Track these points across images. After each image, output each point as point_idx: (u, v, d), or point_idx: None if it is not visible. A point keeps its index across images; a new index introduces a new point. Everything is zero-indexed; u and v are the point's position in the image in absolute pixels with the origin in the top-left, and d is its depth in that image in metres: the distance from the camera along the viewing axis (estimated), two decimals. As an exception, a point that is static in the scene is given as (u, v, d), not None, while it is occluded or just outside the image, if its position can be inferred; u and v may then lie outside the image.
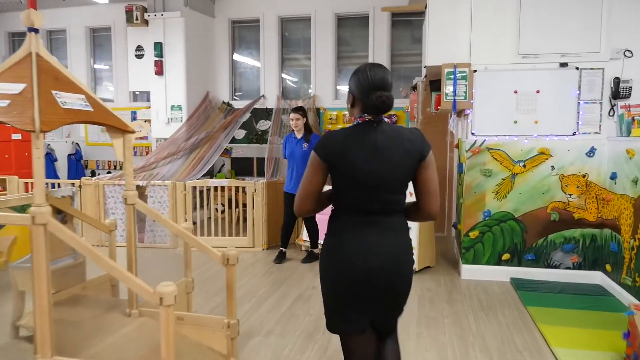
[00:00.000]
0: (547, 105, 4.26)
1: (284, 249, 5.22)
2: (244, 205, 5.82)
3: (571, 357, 2.90)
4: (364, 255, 1.72)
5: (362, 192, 1.72)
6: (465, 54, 4.42)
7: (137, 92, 8.39)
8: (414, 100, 6.47)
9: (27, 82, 2.05)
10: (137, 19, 7.17)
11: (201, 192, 6.21)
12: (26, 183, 6.41)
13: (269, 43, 7.83)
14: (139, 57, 7.45)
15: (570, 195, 4.26)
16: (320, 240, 5.17)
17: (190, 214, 5.76)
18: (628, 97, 4.10)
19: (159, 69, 7.23)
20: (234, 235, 5.82)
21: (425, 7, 4.74)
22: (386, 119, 1.79)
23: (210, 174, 7.75)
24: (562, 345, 3.04)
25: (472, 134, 4.41)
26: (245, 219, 5.81)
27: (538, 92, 4.27)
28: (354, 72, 1.81)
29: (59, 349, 2.07)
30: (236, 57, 8.16)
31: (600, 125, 4.22)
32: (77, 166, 8.48)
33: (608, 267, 4.10)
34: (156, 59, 7.20)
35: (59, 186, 6.74)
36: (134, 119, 8.34)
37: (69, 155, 8.38)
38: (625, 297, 3.71)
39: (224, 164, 8.10)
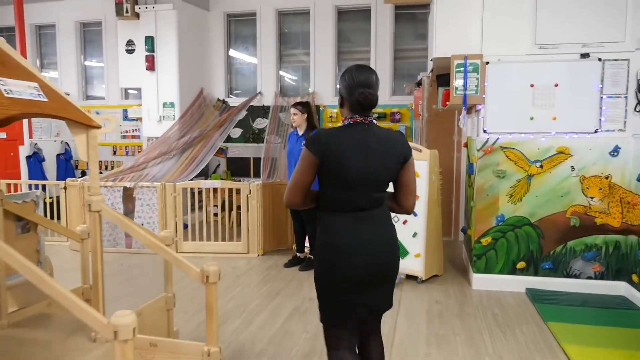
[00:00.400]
0: (566, 100, 3.90)
1: (298, 254, 4.88)
2: (239, 208, 5.47)
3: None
4: (361, 250, 1.81)
5: (353, 190, 1.81)
6: (477, 45, 4.06)
7: (129, 90, 8.04)
8: (419, 97, 6.12)
9: (-41, 65, 1.69)
10: (127, 12, 6.82)
11: (197, 193, 5.86)
12: (9, 185, 6.06)
13: (266, 38, 7.47)
14: (130, 52, 7.10)
15: (591, 198, 3.90)
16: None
17: (180, 217, 5.40)
18: (656, 91, 3.74)
19: (150, 65, 6.88)
20: (227, 240, 5.46)
21: (433, -5, 4.38)
22: (375, 121, 1.88)
23: (205, 174, 7.40)
24: (592, 370, 2.68)
25: (484, 131, 4.05)
26: (240, 223, 5.46)
27: (556, 85, 3.90)
28: (342, 73, 1.91)
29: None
30: (232, 52, 7.80)
31: (625, 122, 3.85)
32: (67, 166, 8.13)
33: (634, 278, 3.73)
34: (147, 53, 6.85)
35: (43, 188, 6.39)
36: (125, 117, 8.01)
37: (58, 155, 8.03)
38: (656, 312, 3.35)
39: (219, 164, 7.75)
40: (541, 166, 3.97)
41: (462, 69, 4.03)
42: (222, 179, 7.33)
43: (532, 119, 3.96)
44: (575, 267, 3.96)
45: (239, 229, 5.46)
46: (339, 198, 1.83)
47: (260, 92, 7.52)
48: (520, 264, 4.04)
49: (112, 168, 7.70)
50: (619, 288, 3.89)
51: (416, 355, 2.92)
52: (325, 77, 7.28)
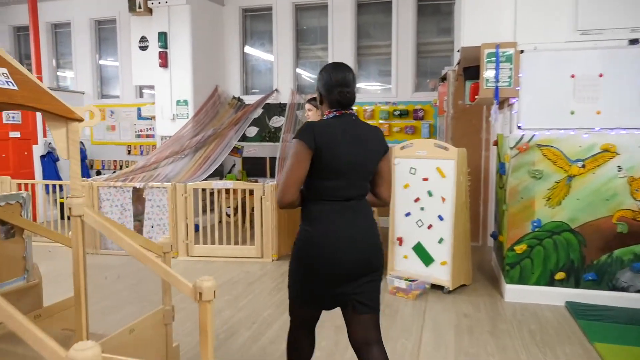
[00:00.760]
0: (612, 92, 3.49)
1: None
2: (254, 210, 5.19)
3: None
4: (347, 240, 1.84)
5: (343, 180, 1.85)
6: (510, 31, 3.69)
7: (144, 89, 7.87)
8: (443, 93, 5.75)
9: None
10: (139, 7, 6.62)
11: (209, 194, 5.61)
12: (19, 184, 5.91)
13: (283, 33, 7.19)
14: (143, 48, 6.90)
15: (640, 201, 3.49)
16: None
17: (191, 218, 5.15)
18: None
19: (164, 61, 6.67)
20: (240, 243, 5.19)
21: (460, -21, 4.03)
22: (355, 114, 1.94)
23: (220, 174, 7.17)
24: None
25: (519, 127, 3.67)
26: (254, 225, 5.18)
27: (601, 75, 3.50)
28: (320, 72, 1.98)
29: None
30: (248, 49, 7.54)
31: (679, 116, 3.43)
32: (82, 166, 7.97)
33: (691, 291, 3.31)
34: (160, 50, 6.64)
35: (61, 188, 6.24)
36: (139, 116, 7.83)
37: (73, 154, 7.89)
38: None
39: (234, 164, 7.51)
40: (583, 166, 3.57)
41: (493, 58, 3.66)
42: (237, 179, 7.08)
43: (572, 113, 3.56)
44: (622, 279, 3.55)
45: (252, 231, 5.18)
46: (328, 187, 1.86)
47: (276, 90, 7.24)
48: (560, 275, 3.64)
49: (127, 168, 7.53)
50: (672, 303, 3.47)
51: (444, 380, 2.58)
52: (344, 73, 6.95)
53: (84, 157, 8.00)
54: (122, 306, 3.61)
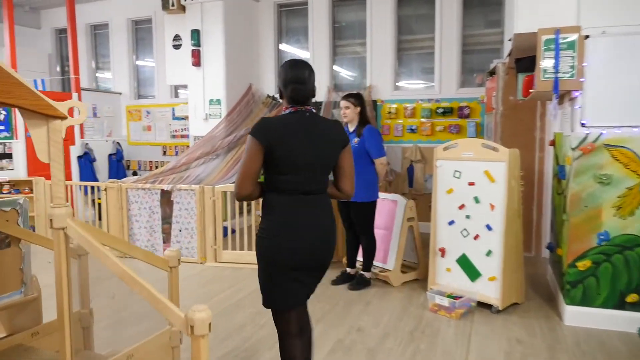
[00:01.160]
0: (698, 83, 2.95)
1: (348, 270, 4.24)
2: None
3: None
4: (309, 232, 1.94)
5: (300, 175, 1.91)
6: (572, 14, 3.21)
7: (179, 89, 7.76)
8: (492, 88, 5.26)
9: None
10: (173, 5, 6.49)
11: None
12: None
13: (319, 28, 6.87)
14: (177, 47, 6.77)
15: None
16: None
17: (220, 222, 4.91)
18: None
19: (197, 60, 6.50)
20: (270, 250, 4.90)
21: (513, -42, 3.56)
22: (314, 110, 2.00)
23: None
24: None
25: (582, 125, 3.17)
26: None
27: (685, 63, 2.97)
28: (280, 68, 2.03)
29: None
30: (283, 46, 7.27)
31: None
32: (118, 167, 7.98)
33: None
34: (193, 48, 6.47)
35: (91, 189, 6.18)
36: (174, 116, 7.72)
37: (110, 155, 7.90)
38: None
39: (269, 165, 7.24)
40: (662, 169, 3.04)
41: (552, 46, 3.18)
42: (271, 181, 6.82)
43: (648, 108, 3.04)
44: None
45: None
46: (284, 181, 1.91)
47: (312, 87, 6.92)
48: (632, 297, 3.12)
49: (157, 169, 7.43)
50: None
51: None
52: (383, 69, 6.56)
53: (120, 157, 7.99)
54: (138, 320, 3.38)
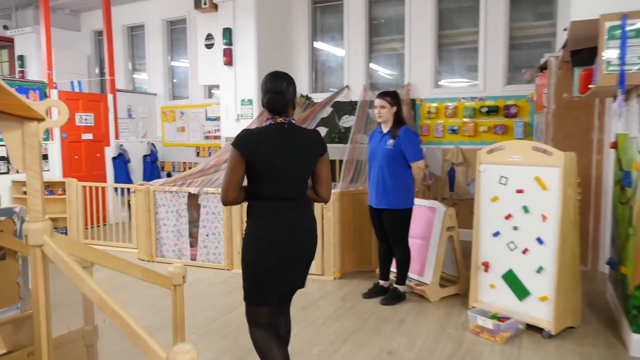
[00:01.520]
0: None
1: (381, 282, 3.93)
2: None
3: None
4: (288, 234, 2.08)
5: (279, 182, 2.05)
6: (643, -3, 2.78)
7: (212, 89, 7.65)
8: (543, 85, 4.80)
9: None
10: (205, 4, 6.35)
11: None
12: (84, 187, 5.86)
13: (355, 24, 6.56)
14: (209, 46, 6.64)
15: None
16: (393, 268, 3.81)
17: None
18: None
19: (228, 59, 6.34)
20: (299, 257, 4.65)
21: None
22: (293, 121, 2.13)
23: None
24: None
25: (654, 124, 2.74)
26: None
27: None
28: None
29: None
30: (317, 44, 7.01)
31: None
32: (153, 168, 7.96)
33: None
34: (225, 47, 6.32)
35: (121, 191, 6.14)
36: (207, 117, 7.61)
37: (145, 156, 7.89)
38: None
39: (302, 167, 7.00)
40: None
41: (618, 33, 2.76)
42: (304, 184, 6.57)
43: None
44: None
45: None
46: (265, 189, 2.04)
47: (347, 86, 6.64)
48: None
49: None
50: None
51: None
52: (423, 66, 6.18)
53: (154, 158, 7.97)
54: (164, 330, 3.19)
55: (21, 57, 8.27)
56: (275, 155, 2.00)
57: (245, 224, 2.12)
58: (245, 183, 2.10)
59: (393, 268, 3.92)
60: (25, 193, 5.88)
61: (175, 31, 8.13)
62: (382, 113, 3.67)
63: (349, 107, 6.61)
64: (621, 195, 3.27)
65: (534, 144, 3.24)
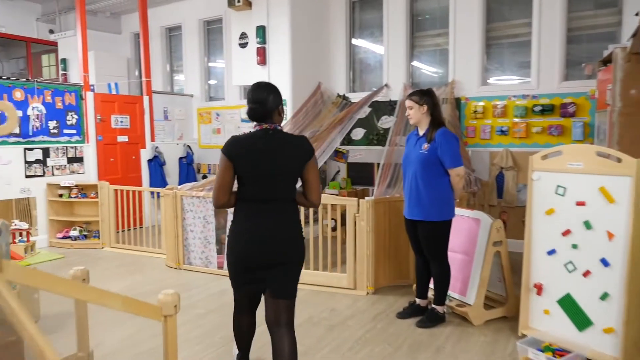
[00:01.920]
0: None
1: (417, 301, 3.55)
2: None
3: None
4: (263, 234, 2.16)
5: (261, 185, 2.15)
6: None
7: (246, 88, 7.46)
8: (606, 80, 4.24)
9: None
10: (238, 1, 6.16)
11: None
12: (116, 190, 5.80)
13: (395, 19, 6.19)
14: (243, 45, 6.44)
15: None
16: (431, 285, 3.41)
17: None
18: None
19: (262, 58, 6.13)
20: (329, 269, 4.33)
21: None
22: (279, 127, 2.23)
23: (322, 181, 6.42)
24: None
25: None
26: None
27: None
28: None
29: None
30: (355, 41, 6.67)
31: None
32: (188, 170, 7.87)
33: None
34: (258, 46, 6.10)
35: (151, 195, 6.04)
36: (242, 119, 7.43)
37: (180, 158, 7.81)
38: None
39: (339, 171, 6.70)
40: None
41: None
42: (341, 188, 6.26)
43: None
44: None
45: (344, 255, 4.25)
46: (248, 191, 2.18)
47: (386, 85, 6.26)
48: None
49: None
50: None
51: None
52: (469, 62, 5.72)
53: (190, 160, 7.88)
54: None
55: (64, 61, 8.42)
56: (256, 158, 2.12)
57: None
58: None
59: (432, 285, 3.53)
60: (60, 196, 5.91)
61: (212, 31, 8.01)
62: (411, 114, 3.30)
63: (388, 107, 6.23)
64: None
65: (599, 149, 2.77)
